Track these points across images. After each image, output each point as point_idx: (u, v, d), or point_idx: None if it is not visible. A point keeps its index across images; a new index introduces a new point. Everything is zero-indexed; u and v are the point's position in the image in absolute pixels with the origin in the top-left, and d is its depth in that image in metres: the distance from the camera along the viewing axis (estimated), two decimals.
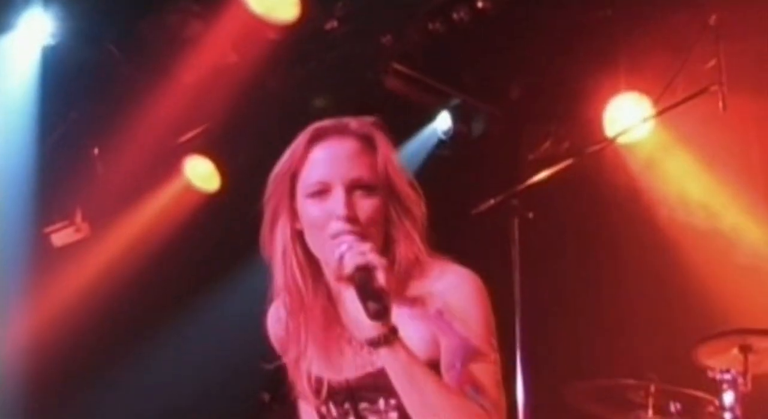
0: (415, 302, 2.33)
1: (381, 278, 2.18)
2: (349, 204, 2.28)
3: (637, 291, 6.00)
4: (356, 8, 5.82)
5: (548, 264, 5.87)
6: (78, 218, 6.66)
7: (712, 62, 5.43)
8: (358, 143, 2.35)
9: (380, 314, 2.16)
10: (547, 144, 6.10)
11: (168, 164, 6.64)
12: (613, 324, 5.78)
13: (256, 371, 6.95)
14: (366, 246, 2.21)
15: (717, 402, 4.74)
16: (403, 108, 6.10)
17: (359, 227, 2.28)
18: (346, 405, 2.39)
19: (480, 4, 5.60)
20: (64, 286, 6.52)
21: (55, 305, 6.43)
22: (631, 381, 5.00)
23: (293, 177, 2.35)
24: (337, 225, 2.27)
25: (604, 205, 6.06)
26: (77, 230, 6.66)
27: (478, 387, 2.27)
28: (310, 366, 2.43)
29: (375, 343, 2.19)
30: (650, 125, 5.84)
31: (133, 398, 6.35)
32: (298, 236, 2.38)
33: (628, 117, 5.84)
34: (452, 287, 2.32)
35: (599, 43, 5.89)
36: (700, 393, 4.94)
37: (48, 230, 6.64)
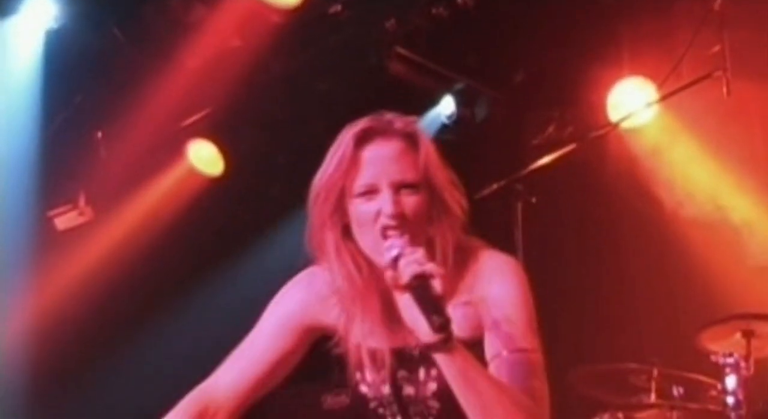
0: (459, 292, 2.43)
1: (438, 286, 2.23)
2: (397, 202, 2.36)
3: (640, 276, 6.00)
4: None
5: (551, 249, 5.88)
6: (81, 201, 6.66)
7: (717, 48, 5.43)
8: (402, 143, 2.42)
9: (444, 327, 2.21)
10: (550, 129, 6.10)
11: (171, 148, 6.64)
12: (616, 309, 5.79)
13: None
14: (419, 253, 2.28)
15: (719, 386, 4.75)
16: (406, 92, 6.09)
17: (406, 224, 2.36)
18: (383, 373, 2.47)
19: None
20: (67, 269, 6.53)
21: (58, 288, 6.44)
22: (633, 366, 5.01)
23: (342, 179, 2.42)
24: (385, 221, 2.35)
25: (607, 190, 6.06)
26: (81, 214, 6.66)
27: (524, 376, 2.34)
28: (354, 334, 2.50)
29: (433, 349, 2.25)
30: (654, 110, 5.84)
31: (134, 381, 6.36)
32: (349, 233, 2.45)
33: (631, 102, 5.84)
34: (494, 275, 2.42)
35: (603, 28, 5.89)
36: (702, 377, 4.96)
37: (51, 213, 6.64)
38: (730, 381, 4.67)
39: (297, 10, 5.67)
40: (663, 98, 5.67)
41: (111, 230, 6.67)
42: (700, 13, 5.45)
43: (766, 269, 5.70)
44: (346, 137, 2.45)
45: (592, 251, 6.07)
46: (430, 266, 2.25)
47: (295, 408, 5.66)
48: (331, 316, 2.56)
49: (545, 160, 4.97)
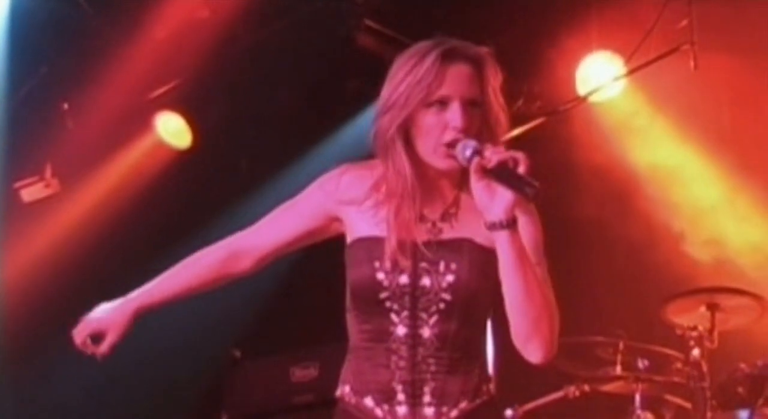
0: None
1: (522, 170, 2.49)
2: (465, 117, 2.61)
3: (605, 249, 6.04)
4: None
5: None
6: (48, 173, 6.63)
7: (684, 22, 5.45)
8: (475, 68, 2.67)
9: (538, 194, 2.46)
10: (519, 103, 6.09)
11: (139, 119, 6.61)
12: (581, 282, 5.82)
13: (229, 327, 6.99)
14: (491, 149, 2.53)
15: (684, 359, 4.80)
16: (375, 65, 6.07)
17: (468, 137, 2.61)
18: (406, 262, 2.64)
19: None
20: (33, 242, 6.50)
21: (25, 261, 6.41)
22: (599, 338, 5.05)
23: (424, 90, 2.63)
24: (453, 133, 2.60)
25: (575, 164, 6.07)
26: (47, 186, 6.63)
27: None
28: (388, 226, 2.68)
29: (501, 226, 2.49)
30: (622, 84, 5.86)
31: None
32: (409, 139, 2.67)
33: (600, 76, 5.85)
34: (523, 212, 2.61)
35: (572, 2, 5.88)
36: (667, 350, 5.00)
37: (17, 185, 6.60)
38: (695, 354, 4.72)
39: None
40: (631, 72, 5.69)
41: (78, 202, 6.64)
42: None
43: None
44: (432, 53, 2.66)
45: (558, 224, 6.07)
46: (508, 155, 2.50)
47: (263, 380, 5.67)
48: (360, 213, 2.75)
49: (513, 133, 4.97)
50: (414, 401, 2.66)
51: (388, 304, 2.65)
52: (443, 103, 2.63)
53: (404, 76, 2.65)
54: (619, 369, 5.01)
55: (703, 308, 4.91)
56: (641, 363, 5.00)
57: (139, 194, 6.58)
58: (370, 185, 2.74)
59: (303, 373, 5.57)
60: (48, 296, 6.27)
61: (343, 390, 2.78)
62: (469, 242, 2.66)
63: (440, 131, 2.63)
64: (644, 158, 5.98)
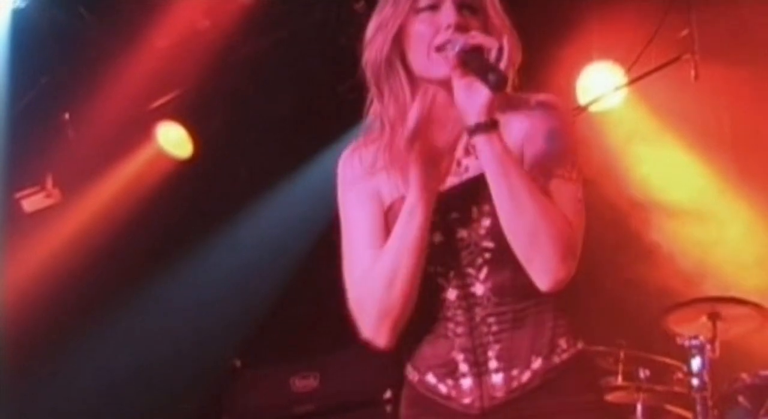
0: (506, 109, 2.40)
1: (494, 57, 2.25)
2: (460, 15, 2.36)
3: (606, 259, 6.03)
4: None
5: None
6: (49, 183, 6.62)
7: (685, 31, 5.45)
8: None
9: (501, 83, 2.23)
10: None
11: (140, 129, 6.60)
12: (583, 292, 5.81)
13: (229, 337, 6.97)
14: (475, 32, 2.31)
15: (685, 369, 4.79)
16: None
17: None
18: (435, 218, 2.33)
19: None
20: (34, 252, 6.49)
21: (26, 271, 6.40)
22: (600, 348, 5.04)
23: None
24: (446, 34, 2.34)
25: None
26: (48, 196, 6.62)
27: (557, 201, 2.31)
28: (403, 185, 2.38)
29: (477, 129, 2.24)
30: (623, 93, 5.86)
31: (103, 364, 6.35)
32: (405, 59, 2.42)
33: (600, 86, 5.85)
34: (532, 109, 2.41)
35: (572, 11, 5.88)
36: (668, 360, 5.00)
37: (19, 195, 6.59)
38: (696, 364, 4.71)
39: None
40: (632, 82, 5.69)
41: (79, 212, 6.63)
42: None
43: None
44: None
45: None
46: (483, 38, 2.29)
47: (263, 390, 5.66)
48: (381, 182, 2.46)
49: None
50: (479, 370, 2.34)
51: (430, 269, 2.35)
52: (434, 6, 2.38)
53: None
54: (620, 379, 5.01)
55: (704, 318, 4.91)
56: (642, 373, 4.99)
57: (140, 204, 6.57)
58: (376, 147, 2.46)
59: (303, 383, 5.57)
60: (49, 306, 6.26)
61: (407, 370, 2.47)
62: None
63: (432, 35, 2.36)
64: (644, 167, 5.98)
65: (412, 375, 2.45)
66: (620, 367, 5.02)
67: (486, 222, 2.33)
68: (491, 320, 2.34)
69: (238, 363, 5.88)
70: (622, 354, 5.02)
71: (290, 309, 6.52)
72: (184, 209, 6.63)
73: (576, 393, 2.36)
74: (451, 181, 2.39)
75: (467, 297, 2.35)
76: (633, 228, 5.85)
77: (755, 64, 5.59)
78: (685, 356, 4.78)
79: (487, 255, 2.33)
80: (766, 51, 5.52)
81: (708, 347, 4.75)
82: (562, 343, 2.36)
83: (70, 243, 6.52)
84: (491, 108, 2.25)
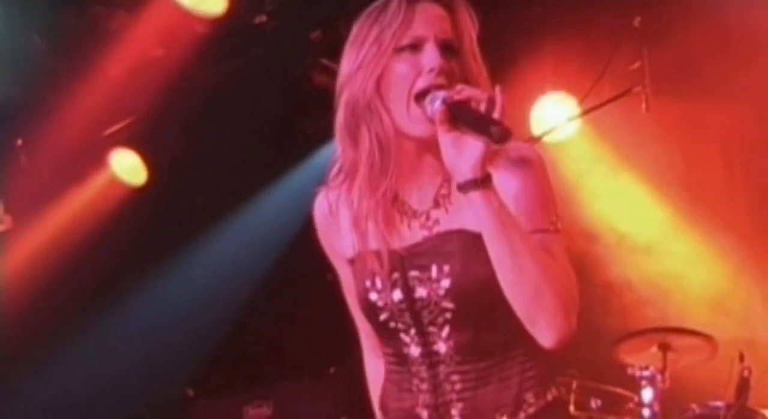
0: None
1: (485, 109, 2.18)
2: (443, 58, 2.28)
3: None
4: (285, 3, 5.81)
5: None
6: (1, 210, 6.56)
7: (636, 64, 5.51)
8: (446, 10, 2.36)
9: (505, 135, 2.15)
10: None
11: (93, 156, 6.57)
12: None
13: (181, 366, 6.92)
14: (461, 86, 2.23)
15: (637, 399, 4.82)
16: (331, 104, 6.08)
17: (448, 84, 2.26)
18: (395, 275, 2.31)
19: None
20: None
21: None
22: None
23: (395, 33, 2.31)
24: (429, 79, 2.26)
25: None
26: (0, 223, 6.57)
27: (548, 253, 2.24)
28: (367, 239, 2.35)
29: (472, 185, 2.16)
30: (576, 124, 5.91)
31: (51, 393, 6.28)
32: (382, 98, 2.32)
33: (554, 116, 5.89)
34: (513, 165, 2.31)
35: (526, 42, 5.93)
36: (620, 390, 5.03)
37: None
38: (647, 394, 4.75)
39: (221, 19, 5.63)
40: (584, 113, 5.74)
41: (31, 239, 6.57)
42: (621, 30, 5.53)
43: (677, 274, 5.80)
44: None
45: None
46: (472, 91, 2.21)
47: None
48: (341, 238, 2.43)
49: None
50: None
51: (392, 325, 2.34)
52: (415, 46, 2.29)
53: (369, 29, 2.33)
54: (572, 409, 5.02)
55: (654, 349, 4.95)
56: (594, 403, 5.02)
57: (93, 232, 6.52)
58: (335, 196, 2.42)
59: (256, 412, 5.55)
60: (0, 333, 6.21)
61: (377, 413, 2.47)
62: (459, 234, 2.29)
63: (413, 78, 2.28)
64: (599, 198, 6.03)
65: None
66: (572, 397, 5.03)
67: (445, 283, 2.28)
68: (455, 378, 2.31)
69: (191, 392, 5.85)
70: (574, 384, 5.04)
71: (244, 338, 6.50)
72: (137, 236, 6.59)
73: None
74: (421, 234, 2.34)
75: (430, 355, 2.33)
76: (587, 260, 5.88)
77: (704, 97, 5.66)
78: (636, 386, 4.81)
79: (448, 315, 2.30)
80: (714, 84, 5.60)
81: (659, 377, 4.79)
82: (529, 398, 2.34)
83: (20, 271, 6.46)
84: (485, 163, 2.18)
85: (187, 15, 5.61)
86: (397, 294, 2.32)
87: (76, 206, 6.64)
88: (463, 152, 2.17)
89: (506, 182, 2.27)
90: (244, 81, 6.18)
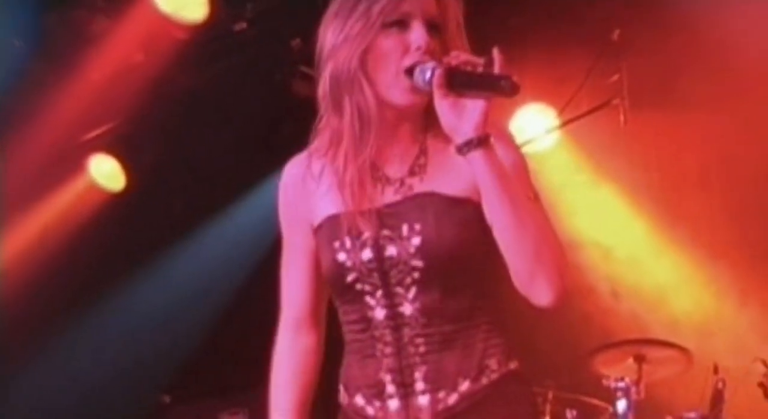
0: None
1: (485, 66, 2.22)
2: (429, 36, 2.32)
3: None
4: (266, 11, 5.81)
5: None
6: None
7: (615, 77, 5.55)
8: None
9: (516, 87, 2.18)
10: None
11: (72, 161, 6.55)
12: (512, 332, 5.85)
13: (158, 373, 6.90)
14: (456, 52, 2.26)
15: (611, 410, 4.84)
16: (310, 111, 6.09)
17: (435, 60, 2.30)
18: (365, 235, 2.33)
19: None
20: None
21: None
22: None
23: (379, 6, 2.34)
24: (416, 56, 2.30)
25: None
26: None
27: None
28: (341, 200, 2.38)
29: (475, 143, 2.20)
30: (555, 136, 5.93)
31: (23, 401, 6.25)
32: (366, 71, 2.36)
33: (533, 128, 5.91)
34: (499, 142, 2.31)
35: (506, 52, 5.94)
36: (595, 401, 5.04)
37: None
38: (621, 405, 4.75)
39: (202, 26, 5.63)
40: (563, 125, 5.77)
41: (8, 244, 6.54)
42: (600, 43, 5.56)
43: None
44: None
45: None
46: (473, 56, 2.24)
47: None
48: (313, 204, 2.45)
49: None
50: (405, 391, 2.32)
51: (358, 286, 2.34)
52: (403, 23, 2.32)
53: (356, 2, 2.36)
54: None
55: (630, 360, 4.97)
56: (570, 414, 5.03)
57: (71, 237, 6.51)
58: (320, 163, 2.43)
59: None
60: None
61: (340, 394, 2.44)
62: (432, 196, 2.32)
63: (400, 55, 2.32)
64: (577, 209, 6.05)
65: (343, 397, 2.44)
66: (548, 407, 5.05)
67: (416, 241, 2.30)
68: (419, 341, 2.32)
69: (167, 399, 5.83)
70: (550, 395, 5.06)
71: (220, 345, 6.48)
72: (115, 242, 6.58)
73: (505, 413, 2.35)
74: (394, 198, 2.36)
75: (395, 317, 2.33)
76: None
77: (682, 109, 5.70)
78: (611, 397, 4.83)
79: (416, 275, 2.30)
80: (692, 97, 5.63)
81: (633, 389, 4.80)
82: (492, 364, 2.35)
83: None
84: (487, 121, 2.21)
85: (168, 21, 5.61)
86: (367, 254, 2.33)
87: (53, 211, 6.62)
88: (464, 114, 2.20)
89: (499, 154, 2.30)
90: (223, 88, 6.18)
